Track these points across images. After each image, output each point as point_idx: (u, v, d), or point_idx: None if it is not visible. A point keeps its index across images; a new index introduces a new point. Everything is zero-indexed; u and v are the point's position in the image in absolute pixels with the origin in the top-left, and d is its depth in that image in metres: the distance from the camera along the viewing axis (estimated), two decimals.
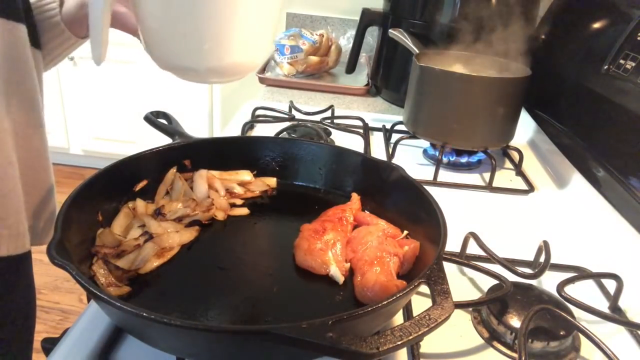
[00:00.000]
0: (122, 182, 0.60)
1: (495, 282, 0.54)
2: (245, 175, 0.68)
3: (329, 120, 1.01)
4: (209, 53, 0.45)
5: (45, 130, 0.66)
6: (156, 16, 0.46)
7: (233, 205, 0.64)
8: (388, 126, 1.02)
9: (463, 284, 0.60)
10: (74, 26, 0.64)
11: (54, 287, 1.94)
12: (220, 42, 0.45)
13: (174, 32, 0.46)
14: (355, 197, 0.64)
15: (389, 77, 1.27)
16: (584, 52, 0.94)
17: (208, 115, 2.46)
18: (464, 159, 0.92)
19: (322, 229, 0.57)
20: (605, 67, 0.84)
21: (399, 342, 0.35)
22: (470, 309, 0.55)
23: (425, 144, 0.97)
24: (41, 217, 0.66)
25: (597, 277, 0.61)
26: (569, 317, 0.49)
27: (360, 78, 1.39)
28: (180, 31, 0.46)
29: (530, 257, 0.62)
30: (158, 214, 0.59)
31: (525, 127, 1.08)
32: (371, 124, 1.04)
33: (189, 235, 0.57)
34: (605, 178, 0.79)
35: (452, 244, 0.57)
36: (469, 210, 0.79)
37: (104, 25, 0.47)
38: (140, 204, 0.60)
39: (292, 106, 1.06)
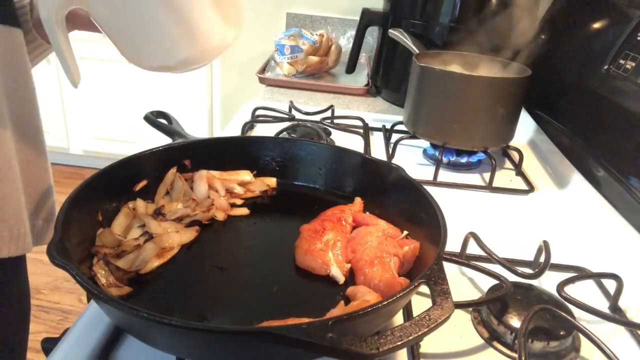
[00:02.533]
0: (122, 182, 0.60)
1: (495, 282, 0.54)
2: (245, 175, 0.68)
3: (329, 120, 1.01)
4: (174, 49, 0.46)
5: (43, 131, 0.66)
6: (114, 24, 0.46)
7: (233, 205, 0.64)
8: (388, 126, 1.02)
9: (463, 284, 0.60)
10: (43, 32, 0.63)
11: (54, 287, 1.94)
12: (181, 36, 0.45)
13: (134, 38, 0.46)
14: (358, 201, 0.64)
15: (389, 77, 1.27)
16: (584, 52, 0.94)
17: (208, 115, 2.46)
18: (464, 159, 0.92)
19: (321, 229, 0.57)
20: (605, 67, 0.84)
21: (399, 343, 0.35)
22: (470, 309, 0.55)
23: (425, 144, 0.97)
24: (40, 217, 0.67)
25: (597, 277, 0.61)
26: (569, 317, 0.49)
27: (360, 78, 1.39)
28: (140, 36, 0.46)
29: (530, 257, 0.62)
30: (158, 214, 0.59)
31: (525, 127, 1.08)
32: (371, 124, 1.04)
33: (189, 235, 0.57)
34: (605, 178, 0.79)
35: (452, 244, 0.57)
36: (469, 210, 0.79)
37: (67, 50, 0.46)
38: (140, 204, 0.60)
39: (292, 106, 1.06)
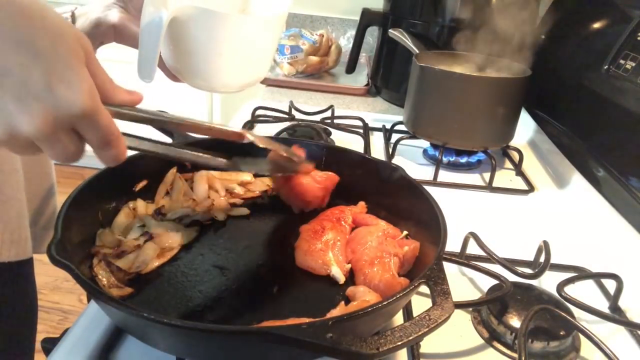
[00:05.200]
0: (122, 182, 0.60)
1: (495, 282, 0.54)
2: (245, 175, 0.68)
3: (329, 120, 1.01)
4: (239, 74, 0.53)
5: None
6: (199, 50, 0.52)
7: (233, 205, 0.64)
8: (388, 126, 1.02)
9: (463, 284, 0.60)
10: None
11: (54, 287, 1.94)
12: (247, 66, 0.53)
13: (214, 63, 0.53)
14: (361, 204, 0.64)
15: (389, 77, 1.27)
16: (584, 52, 0.94)
17: (208, 115, 2.46)
18: (464, 159, 0.92)
19: (321, 229, 0.57)
20: (605, 67, 0.84)
21: (399, 343, 0.35)
22: (470, 309, 0.55)
23: (425, 144, 0.97)
24: (40, 223, 0.66)
25: (597, 277, 0.61)
26: (569, 317, 0.49)
27: (360, 78, 1.39)
28: (221, 63, 0.53)
29: (530, 257, 0.62)
30: (158, 214, 0.59)
31: (525, 127, 1.08)
32: (371, 124, 1.04)
33: (189, 235, 0.57)
34: (605, 178, 0.79)
35: (452, 244, 0.57)
36: (469, 210, 0.79)
37: (158, 50, 0.50)
38: (140, 204, 0.60)
39: (292, 106, 1.06)
